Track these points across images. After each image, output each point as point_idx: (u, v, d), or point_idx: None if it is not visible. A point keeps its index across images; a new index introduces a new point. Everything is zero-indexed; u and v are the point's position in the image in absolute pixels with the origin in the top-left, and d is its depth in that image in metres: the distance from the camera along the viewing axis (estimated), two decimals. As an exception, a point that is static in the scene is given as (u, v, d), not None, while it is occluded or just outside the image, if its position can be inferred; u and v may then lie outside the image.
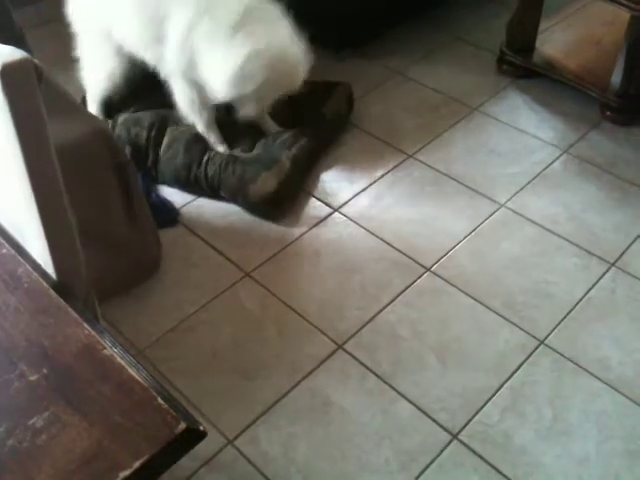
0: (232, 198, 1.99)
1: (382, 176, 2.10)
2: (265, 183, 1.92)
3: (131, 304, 1.74)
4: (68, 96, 1.56)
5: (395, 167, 2.13)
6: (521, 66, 2.40)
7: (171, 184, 2.06)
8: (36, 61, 0.68)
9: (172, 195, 2.04)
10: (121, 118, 2.08)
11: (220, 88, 1.80)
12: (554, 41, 2.42)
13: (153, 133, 2.04)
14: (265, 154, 1.99)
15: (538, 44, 2.39)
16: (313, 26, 2.50)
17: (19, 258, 0.81)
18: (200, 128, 2.02)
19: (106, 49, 2.01)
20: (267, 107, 1.98)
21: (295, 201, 2.02)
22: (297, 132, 2.06)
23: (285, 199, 1.98)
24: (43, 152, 0.73)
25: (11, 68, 0.66)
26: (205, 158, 1.99)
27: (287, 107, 2.15)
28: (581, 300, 1.75)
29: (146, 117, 2.06)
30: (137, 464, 0.62)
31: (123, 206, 1.58)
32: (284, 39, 1.84)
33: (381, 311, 1.72)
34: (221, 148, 2.02)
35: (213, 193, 2.01)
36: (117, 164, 1.53)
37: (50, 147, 0.73)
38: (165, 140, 2.03)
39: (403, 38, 2.64)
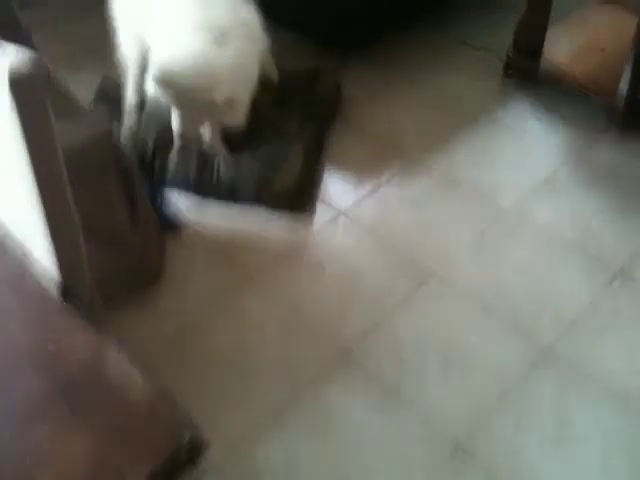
0: (254, 198, 1.97)
1: (387, 180, 2.09)
2: (284, 182, 1.96)
3: (134, 309, 1.73)
4: (73, 98, 1.56)
5: (401, 171, 2.12)
6: (528, 71, 2.38)
7: (180, 186, 2.04)
8: (44, 60, 0.67)
9: (177, 200, 2.03)
10: (128, 120, 2.08)
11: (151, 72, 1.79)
12: (561, 47, 2.40)
13: (162, 137, 2.04)
14: (275, 154, 2.01)
15: (545, 49, 2.37)
16: (318, 30, 2.51)
17: (24, 261, 0.80)
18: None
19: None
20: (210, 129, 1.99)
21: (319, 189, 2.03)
22: (298, 124, 2.08)
23: (308, 190, 2.02)
24: (50, 155, 0.72)
25: (19, 67, 0.65)
26: (217, 161, 1.99)
27: (277, 94, 2.15)
28: (586, 309, 1.73)
29: (153, 123, 2.05)
30: (141, 475, 0.61)
31: (126, 209, 1.57)
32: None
33: (385, 318, 1.71)
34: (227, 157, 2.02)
35: (229, 195, 2.00)
36: (121, 168, 1.52)
37: (57, 150, 0.72)
38: (176, 143, 2.03)
39: (408, 42, 2.62)
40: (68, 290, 0.80)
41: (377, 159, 2.16)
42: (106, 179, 1.50)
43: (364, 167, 2.14)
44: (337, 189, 2.06)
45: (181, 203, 2.01)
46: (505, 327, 1.69)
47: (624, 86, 2.16)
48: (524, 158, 2.15)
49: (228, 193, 2.00)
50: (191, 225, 1.96)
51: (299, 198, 1.99)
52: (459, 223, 1.95)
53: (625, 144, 2.19)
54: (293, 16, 2.53)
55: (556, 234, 1.91)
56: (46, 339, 0.73)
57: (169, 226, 1.92)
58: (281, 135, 2.05)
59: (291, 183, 1.97)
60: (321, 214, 1.98)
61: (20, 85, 0.66)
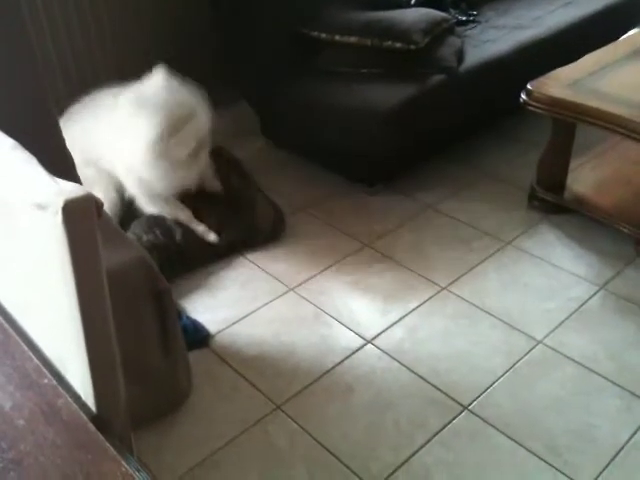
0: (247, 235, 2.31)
1: (415, 308, 2.08)
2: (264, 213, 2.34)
3: (157, 436, 1.69)
4: (111, 223, 1.60)
5: (428, 299, 2.11)
6: (553, 203, 2.43)
7: (203, 261, 2.25)
8: (97, 197, 0.70)
9: (206, 322, 2.04)
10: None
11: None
12: (585, 179, 2.46)
13: (159, 230, 2.19)
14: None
15: (569, 182, 2.43)
16: (346, 162, 2.62)
17: (59, 389, 0.79)
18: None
19: (96, 171, 2.23)
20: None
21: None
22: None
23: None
24: (96, 287, 0.73)
25: (73, 204, 0.67)
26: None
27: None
28: (626, 444, 1.66)
29: (142, 221, 2.22)
30: None
31: (158, 335, 1.56)
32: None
33: (416, 452, 1.64)
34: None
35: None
36: (156, 292, 1.53)
37: (103, 283, 0.74)
38: (176, 228, 2.21)
39: (433, 174, 2.71)
40: (102, 420, 0.79)
41: (404, 287, 2.17)
42: (140, 302, 1.52)
43: (391, 294, 2.14)
44: (364, 317, 2.05)
45: (210, 325, 2.02)
46: (543, 464, 1.61)
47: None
48: (553, 288, 2.14)
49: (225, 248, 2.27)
50: (218, 348, 1.95)
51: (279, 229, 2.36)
52: (490, 354, 1.91)
53: (655, 275, 2.18)
54: (320, 154, 2.65)
55: (590, 366, 1.86)
56: (77, 472, 0.71)
57: (194, 342, 1.92)
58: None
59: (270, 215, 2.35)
60: (349, 341, 1.96)
61: (72, 218, 0.68)
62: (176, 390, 1.70)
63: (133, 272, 1.48)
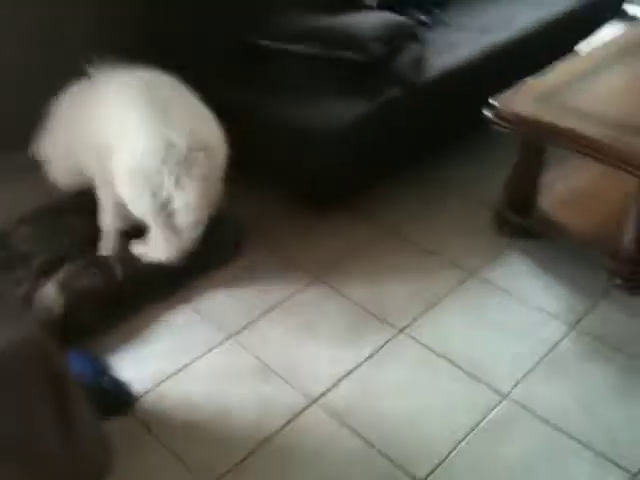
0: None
1: (369, 356, 1.87)
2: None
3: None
4: (7, 295, 1.39)
5: (384, 344, 1.90)
6: (521, 228, 2.21)
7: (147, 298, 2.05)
8: None
9: (133, 378, 1.81)
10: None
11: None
12: (556, 199, 2.24)
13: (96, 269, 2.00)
14: None
15: (538, 203, 2.21)
16: (297, 181, 2.36)
17: None
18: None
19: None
20: None
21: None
22: None
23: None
24: None
25: None
26: None
27: None
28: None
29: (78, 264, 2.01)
30: None
31: (56, 422, 1.34)
32: None
33: None
34: None
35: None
36: (51, 374, 1.31)
37: None
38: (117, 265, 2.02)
39: (392, 194, 2.47)
40: None
41: (358, 330, 1.95)
42: (28, 388, 1.30)
43: (342, 339, 1.92)
44: (310, 369, 1.83)
45: (136, 385, 1.80)
46: None
47: (628, 245, 1.98)
48: (522, 327, 1.94)
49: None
50: (143, 414, 1.72)
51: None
52: (451, 413, 1.70)
53: (631, 308, 1.98)
54: (269, 170, 2.41)
55: (561, 424, 1.67)
56: None
57: (118, 407, 1.72)
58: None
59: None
60: (292, 402, 1.74)
61: None
62: (85, 476, 1.48)
63: (19, 354, 1.26)
